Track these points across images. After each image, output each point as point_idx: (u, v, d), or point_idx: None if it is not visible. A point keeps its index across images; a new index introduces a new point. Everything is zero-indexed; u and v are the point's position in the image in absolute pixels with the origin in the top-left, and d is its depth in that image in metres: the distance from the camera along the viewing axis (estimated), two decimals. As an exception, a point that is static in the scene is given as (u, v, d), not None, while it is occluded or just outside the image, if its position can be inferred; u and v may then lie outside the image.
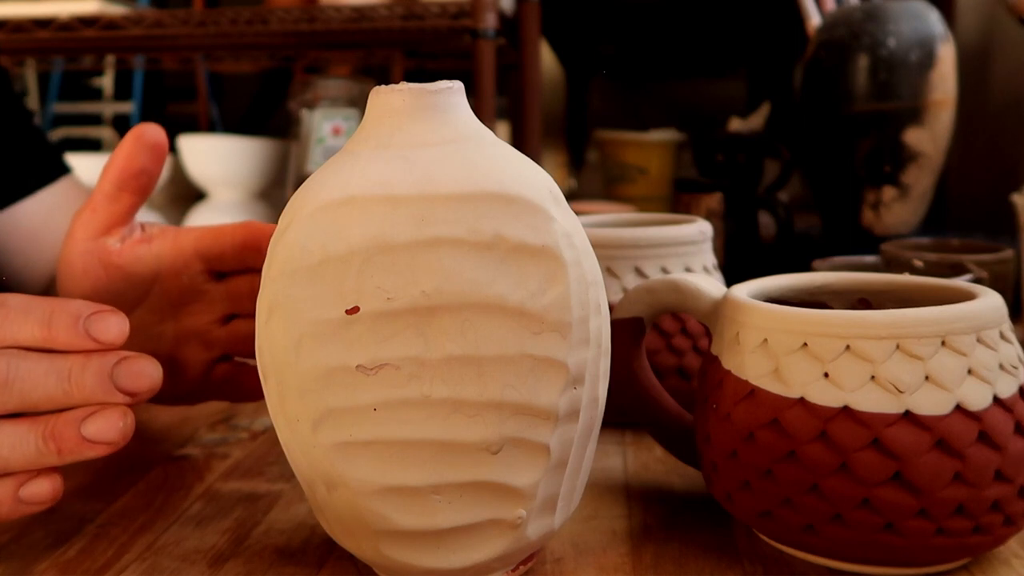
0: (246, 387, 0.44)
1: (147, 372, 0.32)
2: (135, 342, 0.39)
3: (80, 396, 0.31)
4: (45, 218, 0.62)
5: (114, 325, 0.32)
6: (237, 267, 0.41)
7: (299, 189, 0.30)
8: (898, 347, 0.30)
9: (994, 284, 0.54)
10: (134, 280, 0.40)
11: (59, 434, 0.31)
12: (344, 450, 0.28)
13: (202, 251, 0.40)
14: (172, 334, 0.41)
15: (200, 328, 0.42)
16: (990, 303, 0.31)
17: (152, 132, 0.39)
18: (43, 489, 0.31)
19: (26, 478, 0.31)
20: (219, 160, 1.50)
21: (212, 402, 0.52)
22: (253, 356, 0.43)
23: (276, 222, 0.31)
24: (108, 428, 0.31)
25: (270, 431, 0.48)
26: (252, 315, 0.43)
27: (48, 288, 0.63)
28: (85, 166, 0.94)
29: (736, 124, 0.98)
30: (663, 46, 1.69)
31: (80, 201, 0.54)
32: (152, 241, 0.40)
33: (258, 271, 0.41)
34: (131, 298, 0.40)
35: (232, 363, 0.44)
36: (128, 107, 2.07)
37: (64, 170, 0.65)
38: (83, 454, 0.31)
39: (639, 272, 0.46)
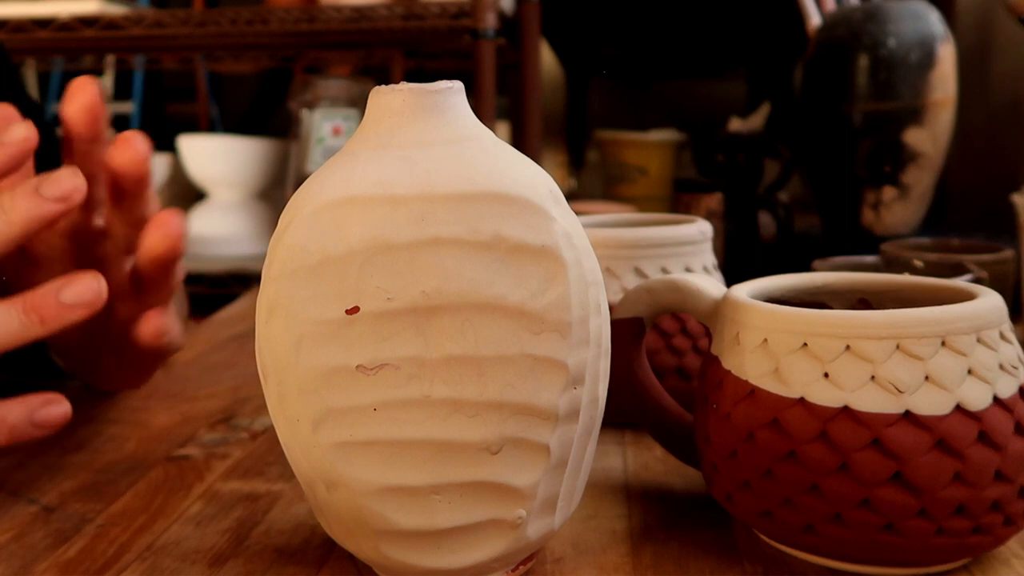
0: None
1: (66, 177, 0.33)
2: None
3: (16, 215, 0.32)
4: None
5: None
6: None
7: (299, 189, 0.30)
8: (898, 347, 0.30)
9: (994, 284, 0.54)
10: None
11: (38, 304, 0.32)
12: (344, 450, 0.28)
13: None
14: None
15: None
16: (990, 303, 0.31)
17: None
18: (55, 413, 0.33)
19: (38, 404, 0.32)
20: (219, 160, 1.50)
21: (212, 402, 0.53)
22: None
23: (276, 222, 0.31)
24: (84, 290, 0.32)
25: (270, 431, 0.48)
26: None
27: None
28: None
29: (736, 124, 0.98)
30: (663, 46, 1.69)
31: None
32: None
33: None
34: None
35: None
36: (128, 107, 2.07)
37: None
38: (65, 319, 0.32)
39: (639, 272, 0.46)
